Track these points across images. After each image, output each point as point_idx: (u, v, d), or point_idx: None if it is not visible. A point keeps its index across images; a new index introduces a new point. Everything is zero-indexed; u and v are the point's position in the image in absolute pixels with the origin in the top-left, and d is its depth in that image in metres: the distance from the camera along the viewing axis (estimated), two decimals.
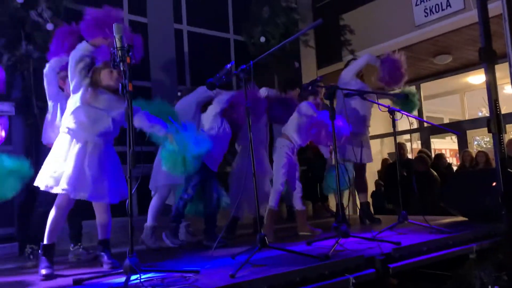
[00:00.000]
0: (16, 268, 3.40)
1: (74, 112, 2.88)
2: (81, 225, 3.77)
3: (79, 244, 3.68)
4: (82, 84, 2.86)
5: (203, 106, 4.22)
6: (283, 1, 6.29)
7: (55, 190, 2.83)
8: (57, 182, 2.80)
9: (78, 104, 2.88)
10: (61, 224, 3.02)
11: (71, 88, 2.91)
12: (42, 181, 2.85)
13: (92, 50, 2.84)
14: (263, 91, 4.36)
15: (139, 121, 2.96)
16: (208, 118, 4.08)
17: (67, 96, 3.43)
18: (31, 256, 3.36)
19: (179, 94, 4.51)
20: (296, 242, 3.76)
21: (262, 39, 5.96)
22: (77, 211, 3.30)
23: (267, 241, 2.85)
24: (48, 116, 3.62)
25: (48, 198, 3.19)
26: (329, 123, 3.55)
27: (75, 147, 2.86)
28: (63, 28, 3.42)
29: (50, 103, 3.59)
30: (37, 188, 3.15)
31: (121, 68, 2.35)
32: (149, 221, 4.02)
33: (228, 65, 3.23)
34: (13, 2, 4.23)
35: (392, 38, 6.60)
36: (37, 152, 4.36)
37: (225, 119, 4.06)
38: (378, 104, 4.15)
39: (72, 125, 2.87)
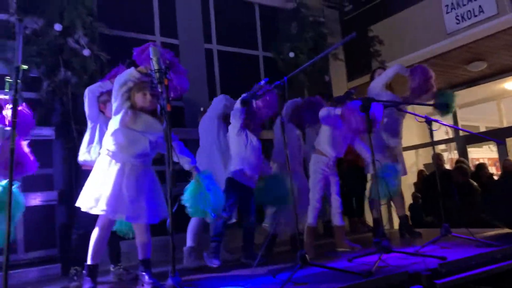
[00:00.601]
0: None
1: (114, 134, 2.95)
2: (119, 245, 3.81)
3: (119, 264, 3.72)
4: (122, 107, 2.94)
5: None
6: (311, 16, 6.30)
7: (95, 211, 2.89)
8: (96, 203, 2.87)
9: (117, 126, 2.94)
10: (104, 245, 3.07)
11: (113, 110, 2.99)
12: (83, 202, 2.92)
13: (137, 77, 2.93)
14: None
15: None
16: (233, 140, 3.97)
17: (107, 119, 3.55)
18: (75, 277, 3.41)
19: (202, 109, 4.58)
20: (335, 258, 3.69)
21: (291, 54, 5.98)
22: (115, 231, 3.34)
23: (308, 259, 2.80)
24: (86, 136, 3.71)
25: (87, 219, 3.27)
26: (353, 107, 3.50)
27: (114, 168, 2.92)
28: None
29: (89, 124, 3.68)
30: (77, 209, 3.25)
31: (159, 90, 2.39)
32: (188, 242, 4.01)
33: (262, 82, 3.24)
34: (51, 31, 4.40)
35: (423, 47, 6.49)
36: (76, 174, 4.48)
37: (248, 130, 3.96)
38: (415, 115, 4.06)
39: (111, 147, 2.94)
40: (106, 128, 3.51)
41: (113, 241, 3.67)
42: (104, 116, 3.65)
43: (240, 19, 6.31)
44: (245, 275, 3.31)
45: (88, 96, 3.57)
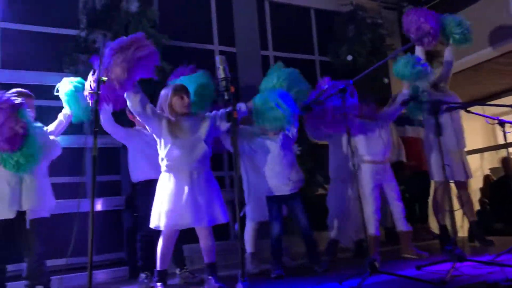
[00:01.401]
0: None
1: (168, 152, 3.05)
2: (182, 249, 3.88)
3: (184, 268, 3.80)
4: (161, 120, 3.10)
5: None
6: (368, 18, 6.18)
7: (162, 228, 3.01)
8: (159, 220, 3.01)
9: (169, 144, 3.06)
10: (170, 252, 3.16)
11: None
12: (152, 221, 3.08)
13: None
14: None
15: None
16: None
17: None
18: (145, 281, 3.52)
19: None
20: (402, 266, 3.56)
21: (349, 57, 5.88)
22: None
23: (377, 266, 2.73)
24: None
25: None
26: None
27: (172, 181, 3.03)
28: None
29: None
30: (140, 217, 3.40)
31: (225, 97, 2.43)
32: (248, 248, 3.98)
33: (324, 86, 3.22)
34: None
35: (488, 46, 6.17)
36: None
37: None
38: (486, 116, 3.86)
39: (168, 162, 3.05)
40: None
41: (176, 245, 3.77)
42: None
43: (296, 24, 6.31)
44: (309, 280, 3.27)
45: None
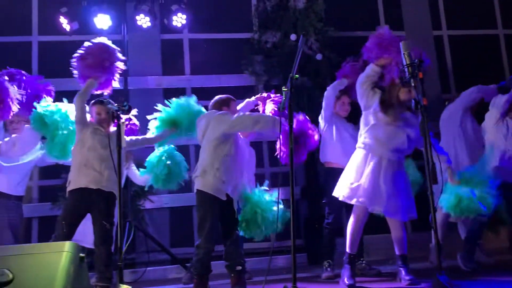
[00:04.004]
0: (311, 277, 3.74)
1: (370, 129, 3.02)
2: (362, 240, 3.84)
3: (361, 259, 3.77)
4: (369, 104, 3.00)
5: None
6: None
7: (352, 201, 3.00)
8: (354, 193, 2.97)
9: (372, 122, 3.01)
10: (360, 235, 3.17)
11: (361, 106, 3.08)
12: (341, 192, 3.06)
13: (378, 71, 2.96)
14: None
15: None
16: (489, 128, 3.64)
17: (340, 119, 3.67)
18: (328, 269, 3.62)
19: (446, 103, 4.29)
20: None
21: None
22: None
23: None
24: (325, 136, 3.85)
25: (338, 212, 3.50)
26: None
27: (371, 162, 2.99)
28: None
29: (323, 124, 3.77)
30: (329, 204, 3.47)
31: (412, 84, 2.35)
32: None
33: None
34: (288, 41, 4.83)
35: None
36: (315, 172, 4.82)
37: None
38: None
39: (368, 140, 3.03)
40: (343, 128, 3.63)
41: None
42: (337, 116, 3.71)
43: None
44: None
45: (328, 96, 3.66)
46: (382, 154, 2.95)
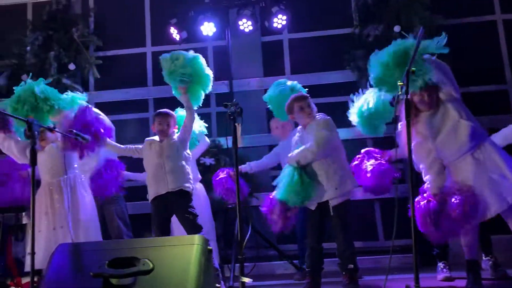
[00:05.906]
0: (426, 278, 3.58)
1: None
2: (489, 239, 3.59)
3: (490, 255, 3.52)
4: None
5: None
6: None
7: None
8: None
9: None
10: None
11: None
12: None
13: None
14: None
15: None
16: None
17: None
18: (444, 269, 3.46)
19: None
20: None
21: None
22: (485, 224, 3.17)
23: None
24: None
25: None
26: None
27: None
28: None
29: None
30: None
31: None
32: None
33: None
34: (392, 33, 4.64)
35: None
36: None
37: None
38: None
39: None
40: None
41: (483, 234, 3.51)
42: None
43: None
44: None
45: None
46: None
